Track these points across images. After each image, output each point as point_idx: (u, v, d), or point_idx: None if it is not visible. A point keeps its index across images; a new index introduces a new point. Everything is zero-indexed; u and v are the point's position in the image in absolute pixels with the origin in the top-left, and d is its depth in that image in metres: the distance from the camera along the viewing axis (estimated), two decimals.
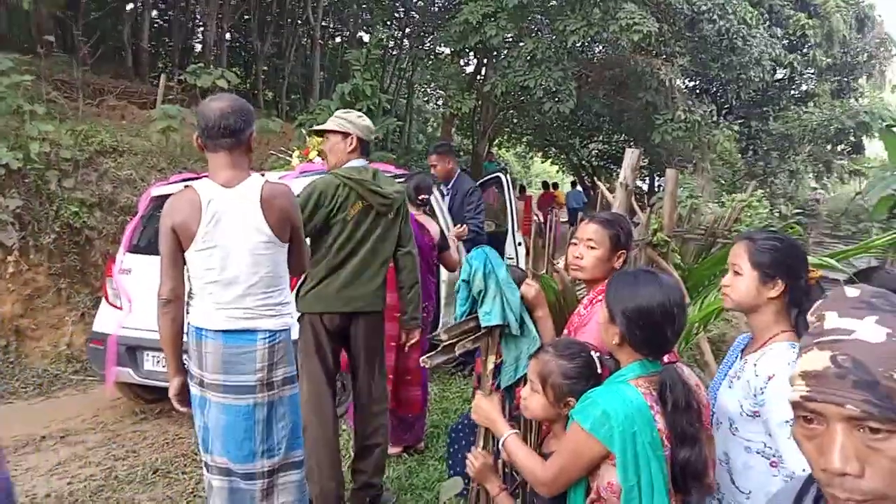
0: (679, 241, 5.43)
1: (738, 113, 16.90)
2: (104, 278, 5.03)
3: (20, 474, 3.77)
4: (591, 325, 2.18)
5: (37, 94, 7.25)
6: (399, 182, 4.78)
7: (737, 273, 1.86)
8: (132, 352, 4.40)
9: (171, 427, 4.48)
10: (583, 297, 2.55)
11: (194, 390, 2.36)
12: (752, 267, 1.82)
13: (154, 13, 16.20)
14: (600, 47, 13.65)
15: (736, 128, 13.65)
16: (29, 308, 5.76)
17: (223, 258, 2.26)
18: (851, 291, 0.90)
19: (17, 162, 5.77)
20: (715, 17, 12.06)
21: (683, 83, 15.83)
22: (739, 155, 16.68)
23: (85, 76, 9.22)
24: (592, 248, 2.28)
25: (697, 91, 16.04)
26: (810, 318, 0.91)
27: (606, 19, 10.86)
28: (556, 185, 19.29)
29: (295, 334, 2.75)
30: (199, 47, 17.33)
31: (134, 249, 4.72)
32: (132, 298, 4.50)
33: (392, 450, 3.91)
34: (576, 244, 2.35)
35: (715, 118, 13.31)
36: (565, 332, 2.41)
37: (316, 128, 3.40)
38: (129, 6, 15.14)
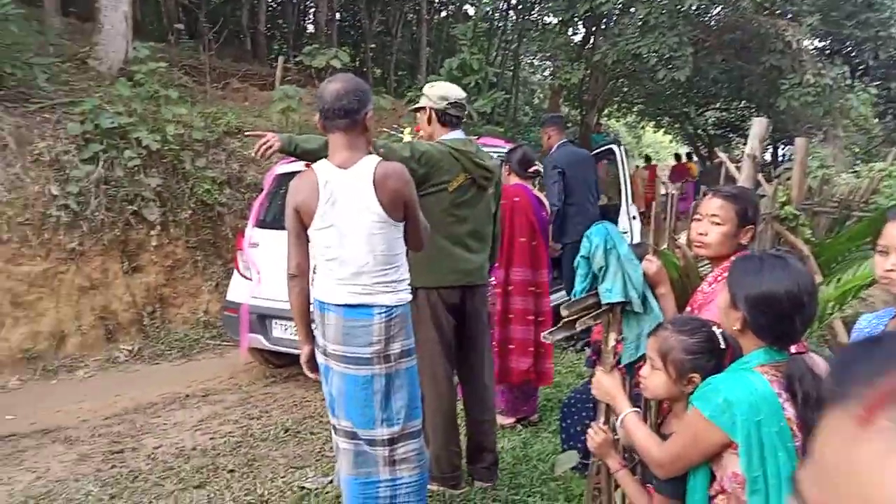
0: (809, 214, 5.12)
1: (875, 74, 15.45)
2: (235, 251, 5.40)
3: (170, 428, 4.18)
4: (718, 300, 2.13)
5: (169, 80, 7.80)
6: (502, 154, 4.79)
7: None
8: (262, 320, 4.73)
9: (299, 391, 4.78)
10: (706, 274, 2.49)
11: (320, 358, 2.51)
12: None
13: None
14: (719, 9, 12.85)
15: (873, 91, 12.48)
16: (170, 278, 6.30)
17: (340, 237, 2.36)
18: None
19: (157, 144, 6.27)
20: None
21: (812, 44, 14.65)
22: (876, 120, 15.32)
23: (210, 61, 9.80)
24: (717, 224, 2.20)
25: (828, 52, 14.79)
26: None
27: None
28: (689, 156, 18.54)
29: None
30: (311, 28, 17.94)
31: (261, 224, 5.03)
32: (261, 270, 4.82)
33: (507, 420, 3.99)
34: (699, 220, 2.27)
35: (848, 81, 12.25)
36: (688, 309, 2.36)
37: (411, 108, 3.44)
38: None
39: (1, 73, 6.07)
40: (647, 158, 18.16)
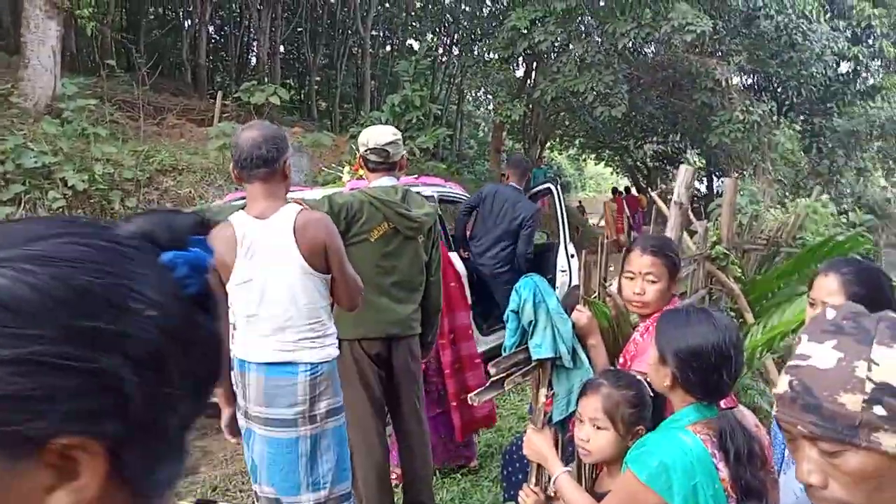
0: (739, 252, 5.26)
1: (799, 110, 16.29)
2: None
3: None
4: (647, 354, 2.13)
5: (100, 116, 7.56)
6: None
7: None
8: None
9: (231, 443, 4.57)
10: (637, 324, 2.48)
11: (241, 421, 2.38)
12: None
13: (211, 29, 16.73)
14: (652, 48, 13.36)
15: (798, 126, 13.14)
16: None
17: (260, 291, 2.26)
18: (830, 313, 0.94)
19: (83, 184, 6.03)
20: (772, 12, 11.65)
21: (741, 81, 15.35)
22: (802, 153, 16.12)
23: (146, 95, 9.56)
24: (653, 281, 2.20)
25: (756, 88, 15.54)
26: (795, 339, 1.01)
27: (658, 20, 10.63)
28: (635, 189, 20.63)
29: None
30: (254, 61, 17.82)
31: None
32: None
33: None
34: (632, 278, 2.26)
35: (775, 117, 12.86)
36: (620, 360, 2.35)
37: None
38: (188, 23, 15.71)
39: None
40: (615, 190, 18.98)
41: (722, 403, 1.72)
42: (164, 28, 16.69)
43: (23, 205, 5.68)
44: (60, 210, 5.85)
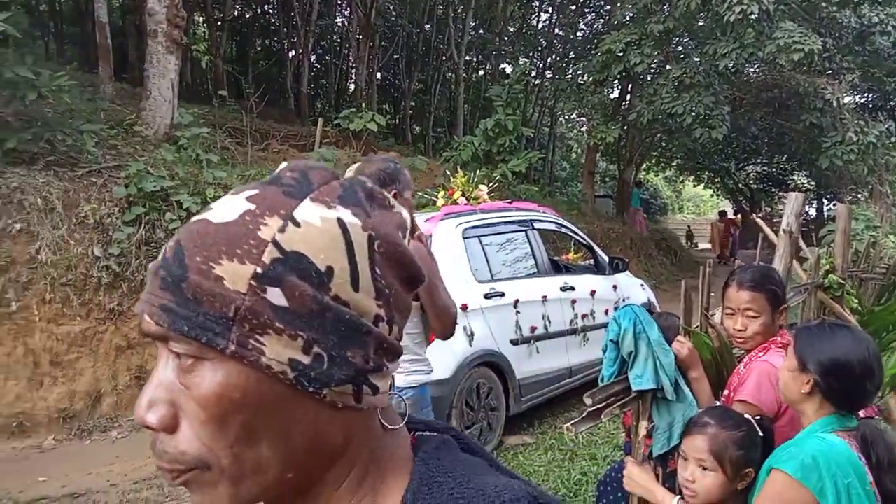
0: (855, 281, 4.94)
1: None
2: None
3: None
4: (750, 381, 2.06)
5: (212, 143, 8.06)
6: None
7: None
8: None
9: None
10: (741, 356, 2.39)
11: None
12: None
13: (313, 58, 17.53)
14: (755, 68, 12.83)
15: None
16: None
17: None
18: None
19: (196, 206, 6.42)
20: (889, 28, 10.94)
21: (853, 100, 14.48)
22: None
23: (253, 122, 10.11)
24: (753, 317, 2.13)
25: (871, 107, 14.59)
26: None
27: (762, 40, 10.21)
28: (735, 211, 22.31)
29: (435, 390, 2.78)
30: (352, 88, 18.50)
31: None
32: None
33: None
34: (732, 313, 2.19)
35: (893, 138, 12.01)
36: (725, 392, 2.26)
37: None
38: (292, 54, 16.54)
39: (52, 140, 6.34)
40: (722, 213, 20.54)
41: (861, 413, 1.71)
42: (270, 59, 17.64)
43: (143, 225, 6.12)
44: (176, 230, 6.24)
